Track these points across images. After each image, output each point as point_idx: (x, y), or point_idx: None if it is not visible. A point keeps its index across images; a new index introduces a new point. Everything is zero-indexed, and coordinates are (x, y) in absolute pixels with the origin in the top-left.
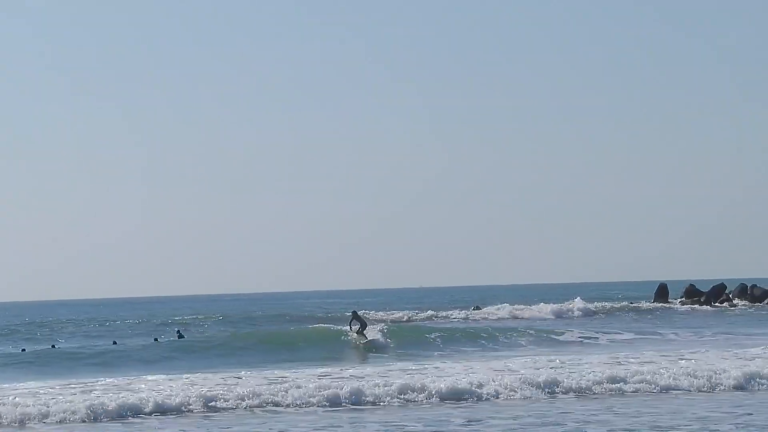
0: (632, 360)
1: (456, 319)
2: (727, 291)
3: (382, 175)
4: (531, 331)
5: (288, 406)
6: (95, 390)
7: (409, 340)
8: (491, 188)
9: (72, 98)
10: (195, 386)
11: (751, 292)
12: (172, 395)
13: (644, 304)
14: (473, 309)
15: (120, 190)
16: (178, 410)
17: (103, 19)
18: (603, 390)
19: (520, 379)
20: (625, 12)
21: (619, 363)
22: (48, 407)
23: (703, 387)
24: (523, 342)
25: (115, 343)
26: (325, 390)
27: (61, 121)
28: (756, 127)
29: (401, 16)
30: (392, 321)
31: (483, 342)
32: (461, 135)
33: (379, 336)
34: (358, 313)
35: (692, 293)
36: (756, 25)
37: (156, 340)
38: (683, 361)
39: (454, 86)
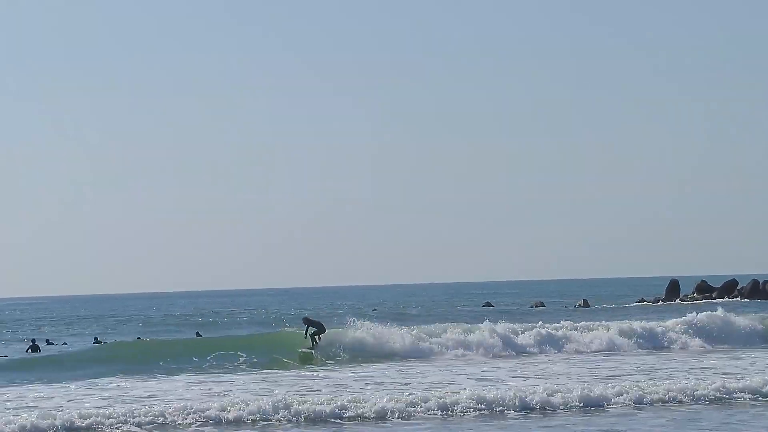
0: None
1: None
2: (738, 287)
3: (356, 175)
4: None
5: None
6: None
7: None
8: (461, 189)
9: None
10: None
11: (764, 288)
12: None
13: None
14: (483, 305)
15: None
16: None
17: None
18: None
19: None
20: (596, 17)
21: None
22: None
23: None
24: None
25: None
26: None
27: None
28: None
29: (379, 16)
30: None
31: None
32: (435, 131)
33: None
34: (310, 318)
35: (704, 289)
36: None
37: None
38: None
39: (446, 85)
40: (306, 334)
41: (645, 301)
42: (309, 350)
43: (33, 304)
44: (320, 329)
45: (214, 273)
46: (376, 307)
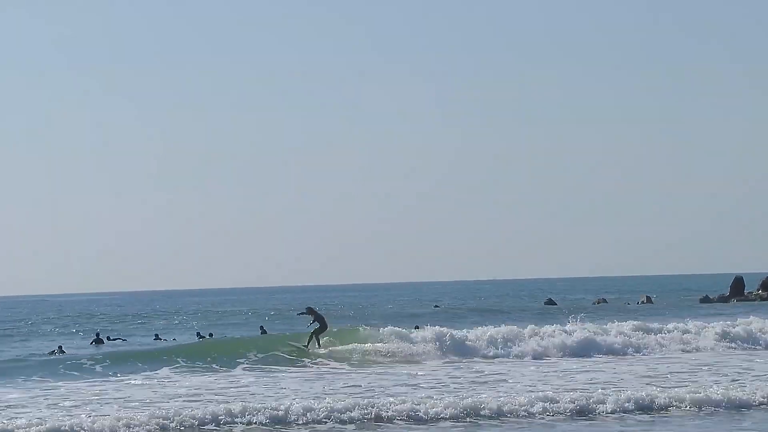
0: None
1: None
2: None
3: (394, 172)
4: None
5: None
6: None
7: None
8: (506, 183)
9: (89, 99)
10: None
11: None
12: None
13: None
14: (546, 302)
15: (131, 189)
16: None
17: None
18: None
19: None
20: (631, 12)
21: None
22: None
23: None
24: None
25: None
26: None
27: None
28: None
29: (411, 13)
30: None
31: None
32: (472, 130)
33: None
34: (315, 310)
35: None
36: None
37: (157, 337)
38: None
39: (466, 83)
40: (299, 315)
41: (710, 298)
42: (304, 347)
43: (97, 299)
44: (323, 326)
45: (271, 270)
46: (437, 304)
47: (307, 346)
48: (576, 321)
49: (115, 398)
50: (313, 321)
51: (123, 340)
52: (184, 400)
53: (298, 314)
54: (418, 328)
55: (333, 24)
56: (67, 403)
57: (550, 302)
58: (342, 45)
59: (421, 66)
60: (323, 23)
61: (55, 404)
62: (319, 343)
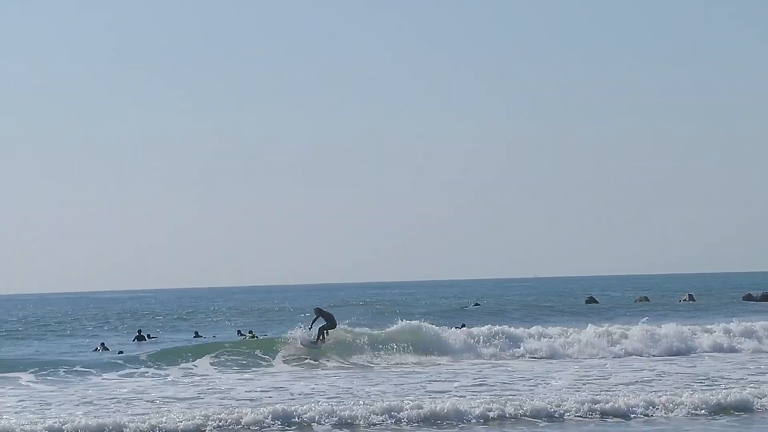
0: None
1: None
2: None
3: (394, 172)
4: None
5: None
6: None
7: None
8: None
9: (91, 99)
10: None
11: None
12: None
13: None
14: (587, 301)
15: (132, 189)
16: None
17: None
18: None
19: None
20: (648, 11)
21: None
22: None
23: None
24: None
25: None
26: None
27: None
28: None
29: (415, 13)
30: None
31: None
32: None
33: None
34: (324, 309)
35: None
36: None
37: (196, 334)
38: None
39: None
40: (312, 325)
41: (753, 296)
42: (312, 345)
43: (137, 297)
44: (331, 324)
45: (271, 271)
46: (478, 302)
47: (315, 342)
48: (643, 321)
49: (155, 396)
50: (327, 323)
51: (163, 338)
52: (222, 398)
53: (311, 324)
54: (465, 326)
55: (345, 22)
56: (104, 400)
57: (592, 300)
58: (350, 45)
59: (424, 66)
60: (334, 21)
61: (90, 402)
62: (323, 339)
